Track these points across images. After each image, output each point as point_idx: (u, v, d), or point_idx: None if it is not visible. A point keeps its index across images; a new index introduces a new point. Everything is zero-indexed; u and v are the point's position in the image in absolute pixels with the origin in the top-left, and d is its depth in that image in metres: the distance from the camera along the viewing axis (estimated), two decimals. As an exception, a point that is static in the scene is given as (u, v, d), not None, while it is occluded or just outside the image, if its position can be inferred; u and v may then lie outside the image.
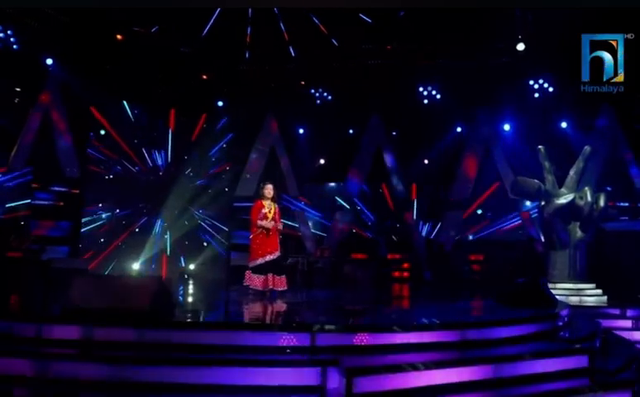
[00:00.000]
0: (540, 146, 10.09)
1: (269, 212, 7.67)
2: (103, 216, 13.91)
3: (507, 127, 14.23)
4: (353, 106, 14.58)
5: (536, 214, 12.68)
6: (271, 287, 7.61)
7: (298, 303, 8.17)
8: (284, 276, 7.76)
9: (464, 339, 5.18)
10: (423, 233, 14.91)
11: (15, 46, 11.67)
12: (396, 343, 4.89)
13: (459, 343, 5.14)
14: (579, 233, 9.98)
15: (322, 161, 15.57)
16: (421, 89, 14.14)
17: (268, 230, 7.60)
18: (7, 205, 11.97)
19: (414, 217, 14.96)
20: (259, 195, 7.88)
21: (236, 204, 14.98)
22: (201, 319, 6.50)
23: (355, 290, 11.44)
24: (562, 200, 9.77)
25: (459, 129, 14.72)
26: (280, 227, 7.87)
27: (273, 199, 7.83)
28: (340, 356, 4.45)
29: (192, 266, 14.16)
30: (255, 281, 7.62)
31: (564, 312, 6.83)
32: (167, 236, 14.16)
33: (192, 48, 12.94)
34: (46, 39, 12.05)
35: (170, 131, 14.69)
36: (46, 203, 12.72)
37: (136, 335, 4.72)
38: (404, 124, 14.88)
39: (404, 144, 14.92)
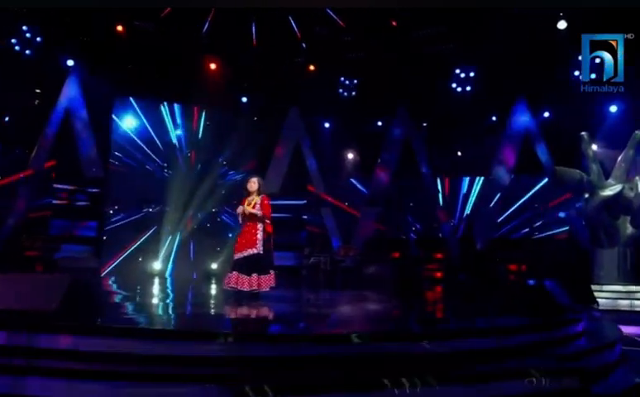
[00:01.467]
0: (583, 132, 9.11)
1: (249, 205, 7.06)
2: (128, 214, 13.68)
3: (546, 115, 13.18)
4: (380, 97, 13.88)
5: (579, 208, 11.63)
6: (244, 287, 7.01)
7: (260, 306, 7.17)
8: (258, 276, 7.06)
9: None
10: (457, 230, 14.03)
11: (34, 49, 11.59)
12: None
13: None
14: (629, 229, 8.94)
15: (348, 155, 14.89)
16: (455, 80, 13.32)
17: (244, 223, 7.03)
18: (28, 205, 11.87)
19: (446, 213, 14.09)
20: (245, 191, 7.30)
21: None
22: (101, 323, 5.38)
23: (379, 291, 10.75)
24: (609, 192, 8.81)
25: (494, 118, 13.75)
26: (249, 210, 7.00)
27: (258, 193, 7.19)
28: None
29: (214, 265, 13.75)
30: (230, 280, 7.06)
31: (580, 326, 5.74)
32: (186, 235, 13.83)
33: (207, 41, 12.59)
34: (67, 40, 11.95)
35: (192, 128, 14.36)
36: (68, 202, 12.61)
37: (27, 340, 4.11)
38: (435, 115, 14.04)
39: (435, 135, 14.10)
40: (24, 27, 11.47)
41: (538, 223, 13.40)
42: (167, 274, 13.40)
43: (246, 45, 12.78)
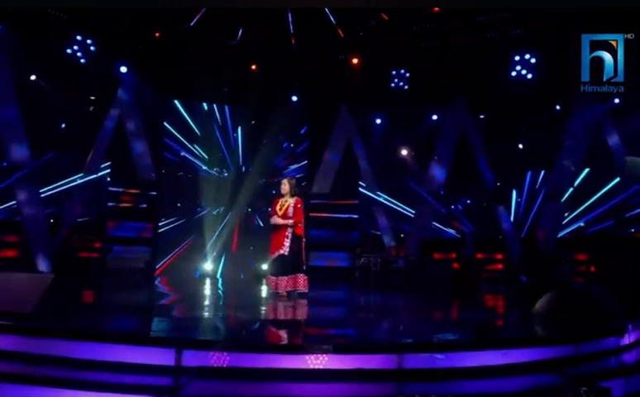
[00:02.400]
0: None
1: (280, 209, 7.19)
2: (180, 217, 13.86)
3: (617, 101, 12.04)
4: (434, 90, 13.20)
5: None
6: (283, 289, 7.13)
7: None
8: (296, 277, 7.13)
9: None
10: (518, 228, 13.11)
11: (89, 56, 11.92)
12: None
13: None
14: None
15: (401, 151, 14.31)
16: (514, 67, 12.42)
17: (275, 227, 7.20)
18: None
19: (506, 210, 13.20)
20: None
21: (312, 201, 14.33)
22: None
23: (433, 294, 10.17)
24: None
25: (557, 107, 12.73)
26: (280, 221, 7.16)
27: (291, 194, 7.27)
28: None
29: (264, 266, 13.60)
30: (270, 283, 7.27)
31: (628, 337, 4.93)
32: (236, 236, 13.80)
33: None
34: (120, 46, 12.21)
35: (240, 129, 14.34)
36: (124, 205, 12.91)
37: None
38: (493, 106, 13.17)
39: (494, 128, 13.23)
40: (78, 37, 11.77)
41: (611, 220, 12.31)
42: (218, 275, 13.45)
43: (286, 43, 12.51)
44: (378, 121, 14.31)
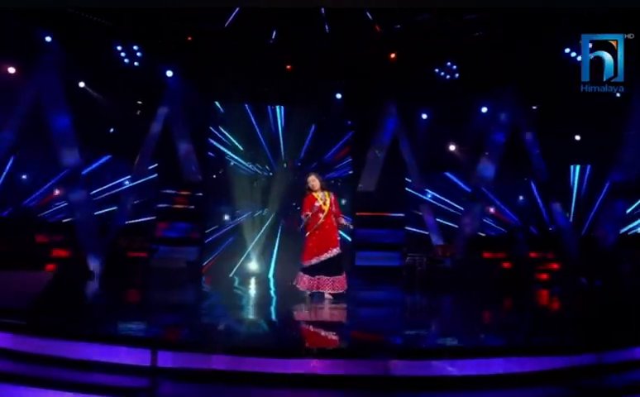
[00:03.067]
0: None
1: (325, 203, 6.87)
2: (226, 217, 13.98)
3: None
4: (484, 80, 12.56)
5: None
6: (320, 289, 6.90)
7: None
8: (336, 277, 6.87)
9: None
10: (576, 225, 12.23)
11: (136, 62, 12.26)
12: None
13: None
14: None
15: (449, 147, 13.73)
16: (567, 50, 11.57)
17: (318, 224, 6.88)
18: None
19: (562, 206, 12.35)
20: (307, 189, 7.18)
21: (358, 200, 14.08)
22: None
23: (478, 295, 9.63)
24: None
25: (618, 94, 11.71)
26: (343, 221, 6.85)
27: (323, 189, 7.04)
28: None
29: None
30: (301, 281, 6.96)
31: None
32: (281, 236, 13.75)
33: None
34: (165, 51, 12.46)
35: (285, 128, 14.28)
36: (171, 206, 13.20)
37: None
38: (547, 96, 12.35)
39: (548, 119, 12.39)
40: (123, 44, 12.11)
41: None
42: (269, 274, 13.45)
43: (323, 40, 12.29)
44: (424, 115, 13.81)
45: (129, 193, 12.63)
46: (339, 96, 14.03)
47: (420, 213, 13.55)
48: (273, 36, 11.96)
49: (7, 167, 11.43)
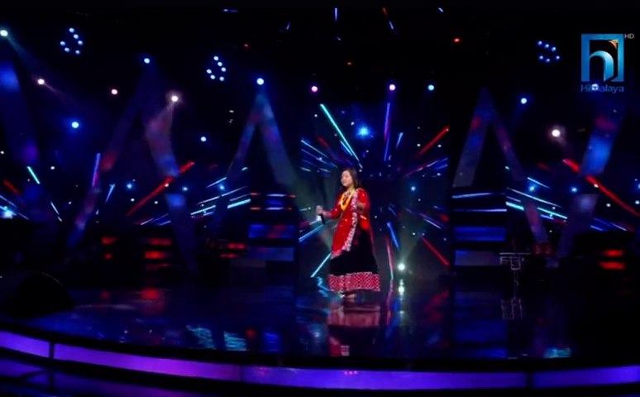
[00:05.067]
0: None
1: (344, 202, 6.69)
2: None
3: None
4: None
5: None
6: (348, 288, 6.61)
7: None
8: (362, 274, 6.55)
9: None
10: None
11: (225, 74, 12.90)
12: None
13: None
14: None
15: (552, 133, 12.29)
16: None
17: (339, 223, 6.76)
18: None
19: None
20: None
21: (454, 197, 13.29)
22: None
23: (581, 298, 8.48)
24: None
25: None
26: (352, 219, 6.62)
27: (354, 186, 6.75)
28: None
29: (401, 266, 13.03)
30: (331, 283, 6.74)
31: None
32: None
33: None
34: (255, 58, 12.94)
35: (377, 126, 13.93)
36: (263, 209, 13.66)
37: None
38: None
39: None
40: (215, 57, 12.80)
41: None
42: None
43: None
44: (523, 100, 12.54)
45: (223, 197, 13.30)
46: (431, 87, 13.38)
47: (522, 208, 12.36)
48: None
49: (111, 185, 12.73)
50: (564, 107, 11.72)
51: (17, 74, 11.15)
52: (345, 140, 13.79)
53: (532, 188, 12.40)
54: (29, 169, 11.53)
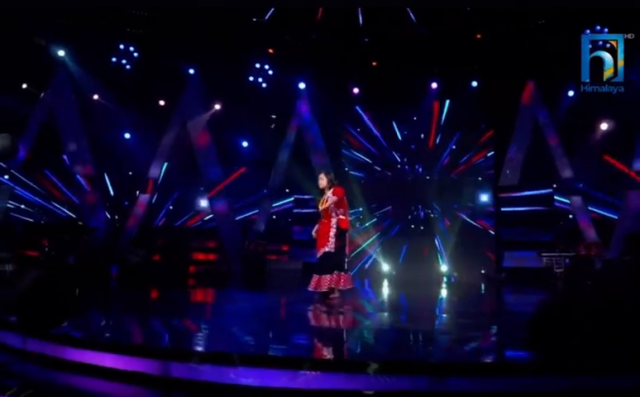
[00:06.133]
0: None
1: (322, 204, 6.86)
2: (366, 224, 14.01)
3: None
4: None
5: None
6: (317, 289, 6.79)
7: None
8: (330, 275, 6.71)
9: None
10: None
11: (268, 81, 13.22)
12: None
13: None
14: None
15: (602, 126, 11.61)
16: None
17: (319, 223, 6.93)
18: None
19: None
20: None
21: (501, 195, 12.88)
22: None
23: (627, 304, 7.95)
24: None
25: None
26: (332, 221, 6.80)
27: (328, 187, 6.89)
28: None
29: (444, 268, 12.76)
30: (313, 282, 6.85)
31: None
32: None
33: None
34: (297, 65, 13.20)
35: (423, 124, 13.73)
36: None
37: None
38: None
39: None
40: (257, 64, 13.17)
41: None
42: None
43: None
44: (570, 93, 11.95)
45: (266, 201, 13.62)
46: (475, 84, 13.05)
47: (570, 206, 11.77)
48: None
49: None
50: (613, 99, 11.09)
51: (73, 89, 12.02)
52: (386, 141, 13.73)
53: (580, 186, 11.77)
54: (83, 177, 12.36)
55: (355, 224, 13.13)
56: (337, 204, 6.74)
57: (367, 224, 13.38)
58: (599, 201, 11.62)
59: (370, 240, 13.28)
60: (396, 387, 3.08)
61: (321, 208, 6.86)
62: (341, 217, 6.76)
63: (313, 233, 6.97)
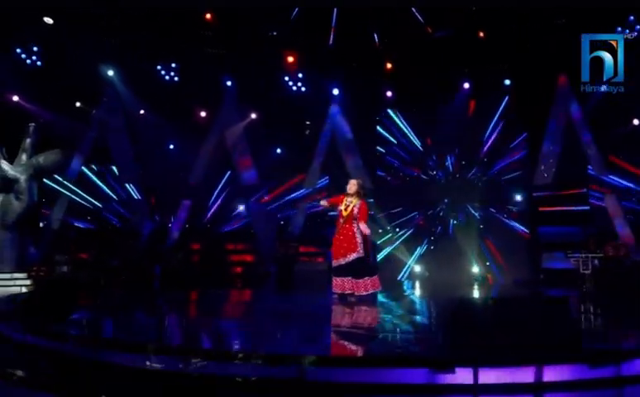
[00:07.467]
0: None
1: (345, 209, 7.04)
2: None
3: None
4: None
5: None
6: (349, 291, 7.04)
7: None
8: (362, 280, 7.00)
9: None
10: None
11: (301, 87, 13.68)
12: None
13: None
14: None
15: (635, 122, 11.17)
16: None
17: (338, 228, 7.11)
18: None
19: None
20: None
21: (535, 194, 12.68)
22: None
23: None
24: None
25: None
26: (362, 228, 7.04)
27: (357, 195, 7.13)
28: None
29: (475, 269, 12.70)
30: (334, 284, 7.13)
31: None
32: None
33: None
34: (330, 71, 13.57)
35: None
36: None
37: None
38: None
39: None
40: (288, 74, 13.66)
41: None
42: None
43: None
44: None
45: (302, 204, 14.12)
46: (507, 82, 12.91)
47: (604, 205, 11.41)
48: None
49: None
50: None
51: (121, 105, 13.08)
52: (419, 142, 13.82)
53: (615, 184, 11.37)
54: (131, 185, 13.42)
55: (387, 226, 13.45)
56: (360, 218, 7.05)
57: (399, 228, 13.61)
58: (635, 200, 11.19)
59: (399, 241, 13.45)
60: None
61: (344, 212, 7.14)
62: (362, 223, 7.08)
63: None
